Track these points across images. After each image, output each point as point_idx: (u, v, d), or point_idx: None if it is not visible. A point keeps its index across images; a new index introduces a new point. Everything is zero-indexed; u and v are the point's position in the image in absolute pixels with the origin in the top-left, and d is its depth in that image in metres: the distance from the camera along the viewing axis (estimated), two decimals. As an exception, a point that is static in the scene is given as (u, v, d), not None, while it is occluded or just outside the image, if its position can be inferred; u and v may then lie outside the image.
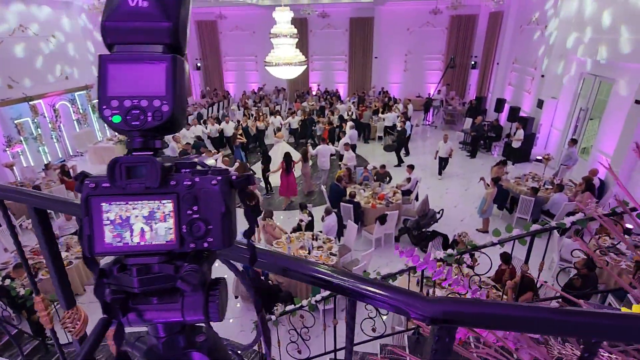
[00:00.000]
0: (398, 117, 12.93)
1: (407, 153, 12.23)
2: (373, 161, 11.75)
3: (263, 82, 20.47)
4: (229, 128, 11.82)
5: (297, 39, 9.07)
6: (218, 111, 17.61)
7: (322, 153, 9.42)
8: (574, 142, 9.04)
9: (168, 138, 10.66)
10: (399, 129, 11.95)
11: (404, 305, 0.68)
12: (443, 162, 10.24)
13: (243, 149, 11.10)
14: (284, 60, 8.80)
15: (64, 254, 6.00)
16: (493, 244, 2.86)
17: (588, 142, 10.14)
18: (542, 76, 11.48)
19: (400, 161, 11.31)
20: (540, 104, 11.52)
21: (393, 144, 11.35)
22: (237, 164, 8.49)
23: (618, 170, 7.79)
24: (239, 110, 16.34)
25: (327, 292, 3.84)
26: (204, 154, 9.13)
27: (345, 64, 20.32)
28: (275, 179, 9.16)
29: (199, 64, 21.26)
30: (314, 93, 19.37)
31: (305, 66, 9.31)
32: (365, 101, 16.59)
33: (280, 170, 8.38)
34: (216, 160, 9.09)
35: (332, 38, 19.70)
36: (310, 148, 9.57)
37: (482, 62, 16.98)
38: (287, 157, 8.36)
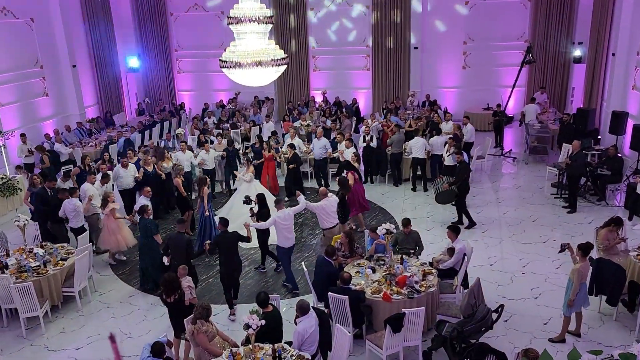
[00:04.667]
0: (446, 143, 13.00)
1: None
2: (402, 217, 11.68)
3: (237, 88, 21.08)
4: (127, 176, 11.96)
5: (270, 25, 9.44)
6: (160, 136, 18.09)
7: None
8: None
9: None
10: (453, 161, 11.96)
11: None
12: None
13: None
14: (250, 58, 9.07)
15: None
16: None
17: None
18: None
19: (471, 221, 11.27)
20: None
21: (451, 189, 11.16)
22: None
23: None
24: (193, 135, 16.72)
25: None
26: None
27: (368, 59, 20.97)
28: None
29: (135, 63, 22.26)
30: (316, 106, 19.75)
31: (285, 66, 9.61)
32: (397, 115, 16.78)
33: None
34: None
35: (346, 18, 20.48)
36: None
37: (590, 52, 17.16)
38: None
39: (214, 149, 14.09)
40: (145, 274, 9.32)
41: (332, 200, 9.60)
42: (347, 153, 12.87)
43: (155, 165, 12.25)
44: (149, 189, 10.22)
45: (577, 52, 18.29)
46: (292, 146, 13.53)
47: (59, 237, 10.23)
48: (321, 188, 10.19)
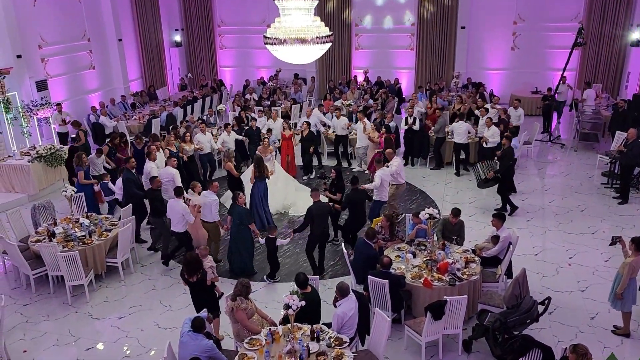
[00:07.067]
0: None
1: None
2: (443, 202, 11.53)
3: (278, 66, 21.11)
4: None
5: (315, 1, 9.31)
6: (202, 112, 18.25)
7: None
8: None
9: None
10: (493, 143, 11.81)
11: None
12: None
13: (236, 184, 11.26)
14: (295, 35, 8.99)
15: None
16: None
17: None
18: None
19: (513, 206, 11.06)
20: None
21: (496, 175, 10.89)
22: None
23: None
24: (235, 112, 16.81)
25: None
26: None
27: (412, 38, 20.56)
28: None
29: (178, 38, 22.45)
30: (358, 85, 19.56)
31: (329, 44, 9.48)
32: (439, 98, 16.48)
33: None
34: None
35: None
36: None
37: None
38: None
39: (227, 135, 13.33)
40: (230, 258, 9.23)
41: (398, 159, 10.59)
42: (368, 125, 13.02)
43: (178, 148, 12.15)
44: (217, 183, 9.75)
45: (636, 35, 17.42)
46: (307, 123, 13.47)
47: (164, 234, 9.63)
48: (387, 150, 10.62)
